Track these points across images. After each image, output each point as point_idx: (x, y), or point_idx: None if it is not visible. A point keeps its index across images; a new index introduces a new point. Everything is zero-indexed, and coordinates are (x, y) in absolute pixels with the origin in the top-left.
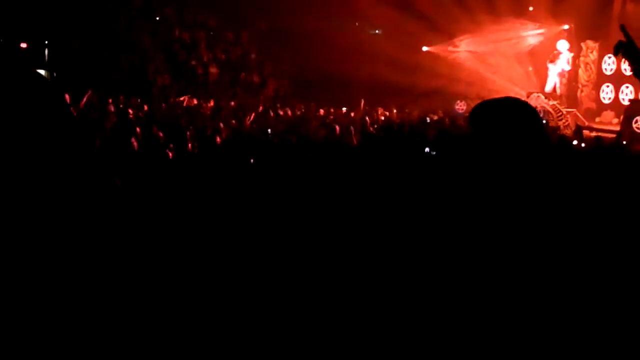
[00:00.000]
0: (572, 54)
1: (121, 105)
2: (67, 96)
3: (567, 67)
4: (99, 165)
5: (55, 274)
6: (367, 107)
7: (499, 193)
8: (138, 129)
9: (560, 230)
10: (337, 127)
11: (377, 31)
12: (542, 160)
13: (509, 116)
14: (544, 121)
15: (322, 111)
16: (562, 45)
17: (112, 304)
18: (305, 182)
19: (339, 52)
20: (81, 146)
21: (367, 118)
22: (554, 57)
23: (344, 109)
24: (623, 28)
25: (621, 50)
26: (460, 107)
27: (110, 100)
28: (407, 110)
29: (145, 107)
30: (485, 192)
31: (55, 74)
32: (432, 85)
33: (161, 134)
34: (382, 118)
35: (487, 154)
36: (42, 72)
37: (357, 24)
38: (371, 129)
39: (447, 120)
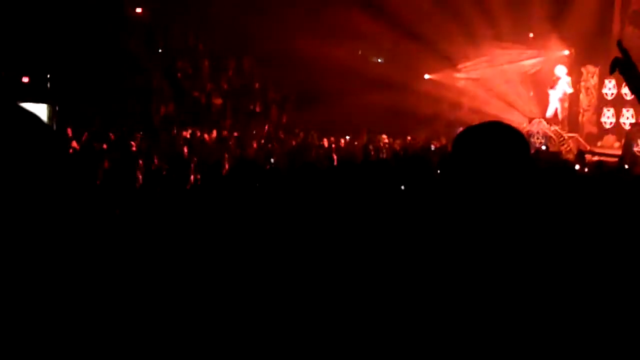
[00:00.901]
0: (570, 78)
1: (124, 137)
2: (69, 130)
3: (569, 90)
4: (97, 201)
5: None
6: (370, 135)
7: (483, 218)
8: (141, 162)
9: (554, 254)
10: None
11: (379, 59)
12: (528, 185)
13: (492, 142)
14: (544, 147)
15: (325, 141)
16: (560, 70)
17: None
18: (311, 209)
19: (342, 80)
20: (74, 190)
21: (370, 146)
22: (553, 82)
23: (347, 137)
24: (619, 44)
25: (618, 67)
26: None
27: (112, 134)
28: (409, 137)
29: (148, 139)
30: (471, 218)
31: (57, 107)
32: (435, 111)
33: (164, 166)
34: (386, 145)
35: (470, 180)
36: (44, 105)
37: (360, 52)
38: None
39: (449, 146)
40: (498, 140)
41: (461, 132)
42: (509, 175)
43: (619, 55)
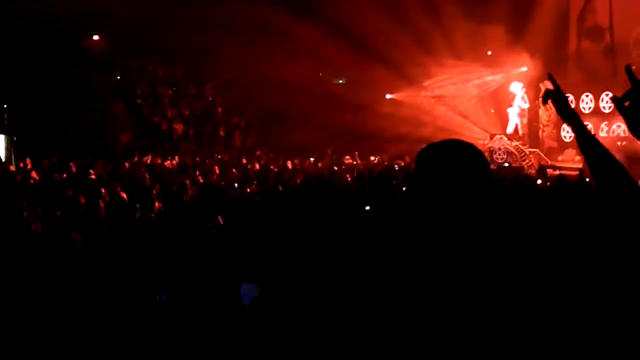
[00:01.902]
0: (524, 89)
1: (84, 166)
2: (28, 160)
3: (525, 105)
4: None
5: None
6: (334, 156)
7: (447, 236)
8: (103, 190)
9: (515, 266)
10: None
11: (340, 81)
12: (488, 200)
13: (451, 159)
14: (506, 164)
15: (289, 163)
16: (515, 86)
17: None
18: (278, 235)
19: (304, 103)
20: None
21: (335, 167)
22: (510, 100)
23: (312, 159)
24: (550, 76)
25: (550, 98)
26: None
27: (72, 163)
28: (372, 158)
29: (109, 168)
30: (435, 236)
31: (15, 138)
32: (399, 131)
33: (125, 195)
34: (348, 166)
35: (432, 198)
36: (1, 137)
37: (320, 74)
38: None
39: (413, 165)
40: (457, 157)
41: (422, 150)
42: (469, 190)
43: (577, 76)
